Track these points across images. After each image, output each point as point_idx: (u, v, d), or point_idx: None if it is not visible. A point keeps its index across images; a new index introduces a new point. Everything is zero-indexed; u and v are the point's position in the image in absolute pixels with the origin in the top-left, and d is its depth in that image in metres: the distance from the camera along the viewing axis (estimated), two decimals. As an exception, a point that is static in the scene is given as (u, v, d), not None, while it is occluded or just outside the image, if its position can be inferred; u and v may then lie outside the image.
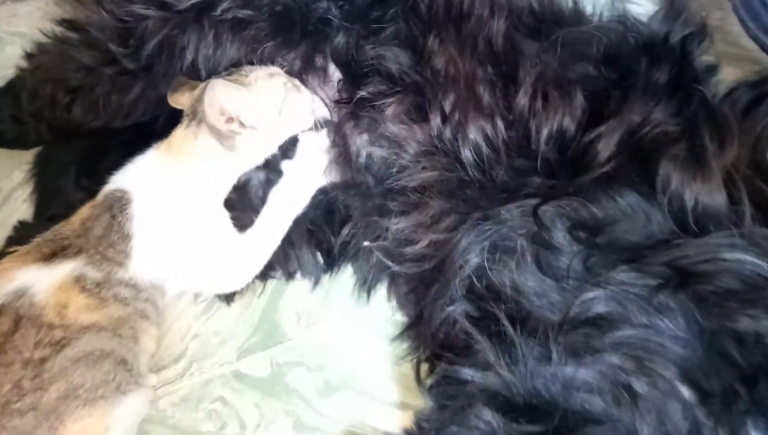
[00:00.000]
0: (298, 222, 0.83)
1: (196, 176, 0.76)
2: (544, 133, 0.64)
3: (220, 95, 0.71)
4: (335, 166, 0.82)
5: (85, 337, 0.67)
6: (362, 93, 0.77)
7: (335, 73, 0.83)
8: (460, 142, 0.68)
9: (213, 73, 0.80)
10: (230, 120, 0.73)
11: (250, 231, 0.79)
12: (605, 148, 0.60)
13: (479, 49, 0.74)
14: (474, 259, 0.68)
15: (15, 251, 0.72)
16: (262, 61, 0.81)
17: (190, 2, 0.76)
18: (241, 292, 0.85)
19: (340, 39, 0.79)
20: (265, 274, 0.85)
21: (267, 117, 0.75)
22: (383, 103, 0.74)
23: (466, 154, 0.68)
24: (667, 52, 0.71)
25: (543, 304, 0.64)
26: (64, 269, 0.70)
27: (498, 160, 0.67)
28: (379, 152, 0.77)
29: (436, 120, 0.71)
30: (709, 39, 0.72)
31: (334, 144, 0.82)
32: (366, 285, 0.84)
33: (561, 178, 0.64)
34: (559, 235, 0.62)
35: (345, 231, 0.82)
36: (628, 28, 0.74)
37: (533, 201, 0.64)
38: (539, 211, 0.62)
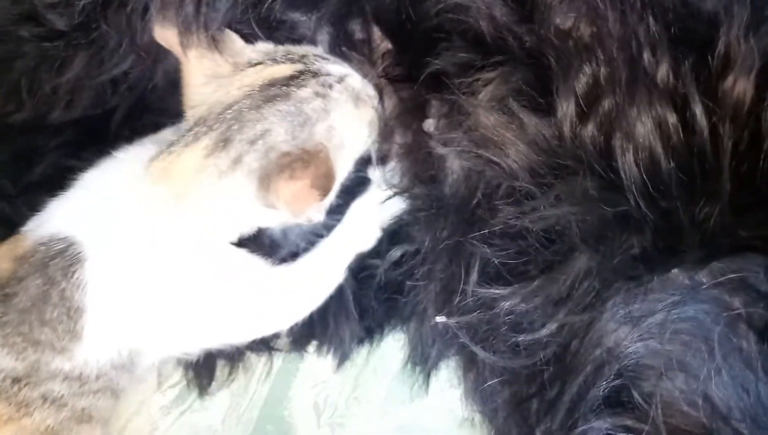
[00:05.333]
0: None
1: (209, 223, 0.54)
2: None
3: (311, 201, 0.51)
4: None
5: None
6: (437, 64, 0.52)
7: (382, 45, 0.59)
8: (618, 149, 0.43)
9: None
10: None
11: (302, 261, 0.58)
12: None
13: (632, 0, 0.48)
14: (629, 349, 0.45)
15: None
16: (268, 25, 0.57)
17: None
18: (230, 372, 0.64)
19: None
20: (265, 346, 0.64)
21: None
22: (476, 80, 0.49)
23: (629, 168, 0.43)
24: None
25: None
26: None
27: (687, 183, 0.42)
28: (459, 162, 0.53)
29: (568, 108, 0.46)
30: None
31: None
32: (425, 365, 0.60)
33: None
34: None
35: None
36: None
37: (750, 263, 0.40)
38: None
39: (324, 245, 0.58)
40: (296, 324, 0.60)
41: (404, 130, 0.57)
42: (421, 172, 0.55)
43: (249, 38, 0.57)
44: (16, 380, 0.50)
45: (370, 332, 0.63)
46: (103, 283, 0.51)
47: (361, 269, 0.61)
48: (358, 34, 0.59)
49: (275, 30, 0.58)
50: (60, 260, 0.51)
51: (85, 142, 0.61)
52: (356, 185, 0.59)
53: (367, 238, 0.59)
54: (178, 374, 0.63)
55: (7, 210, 0.59)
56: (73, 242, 0.51)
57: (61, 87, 0.61)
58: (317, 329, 0.62)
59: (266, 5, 0.56)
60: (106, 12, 0.57)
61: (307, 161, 0.49)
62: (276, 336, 0.62)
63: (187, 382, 0.62)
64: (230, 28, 0.56)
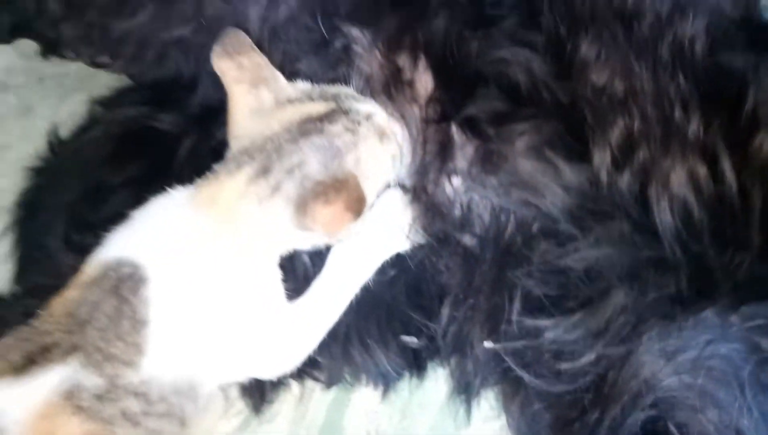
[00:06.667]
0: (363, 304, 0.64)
1: (250, 245, 0.58)
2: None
3: (346, 222, 0.54)
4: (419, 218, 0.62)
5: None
6: (471, 110, 0.57)
7: (423, 77, 0.64)
8: (654, 198, 0.47)
9: (270, 31, 0.61)
10: None
11: (302, 299, 0.62)
12: None
13: (664, 59, 0.53)
14: (663, 382, 0.49)
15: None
16: (331, 26, 0.62)
17: None
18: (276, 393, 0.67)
19: (439, 22, 0.60)
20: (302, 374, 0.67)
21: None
22: (511, 130, 0.54)
23: (664, 216, 0.47)
24: None
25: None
26: (49, 381, 0.53)
27: (719, 233, 0.46)
28: (492, 202, 0.58)
29: (604, 159, 0.51)
30: None
31: (417, 189, 0.62)
32: (470, 391, 0.63)
33: None
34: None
35: (444, 312, 0.61)
36: None
37: None
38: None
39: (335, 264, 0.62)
40: (326, 358, 0.64)
41: (435, 173, 0.61)
42: (448, 217, 0.60)
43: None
44: (99, 397, 0.53)
45: (417, 364, 0.66)
46: (162, 300, 0.56)
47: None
48: (407, 74, 0.63)
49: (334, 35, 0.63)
50: (129, 282, 0.56)
51: (152, 179, 0.65)
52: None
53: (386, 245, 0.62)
54: (241, 403, 0.66)
55: (94, 243, 0.63)
56: (137, 265, 0.56)
57: (129, 35, 0.66)
58: (345, 364, 0.66)
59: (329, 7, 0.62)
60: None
61: (338, 188, 0.54)
62: (313, 366, 0.66)
63: (246, 406, 0.66)
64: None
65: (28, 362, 0.53)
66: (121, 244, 0.58)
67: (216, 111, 0.68)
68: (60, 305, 0.57)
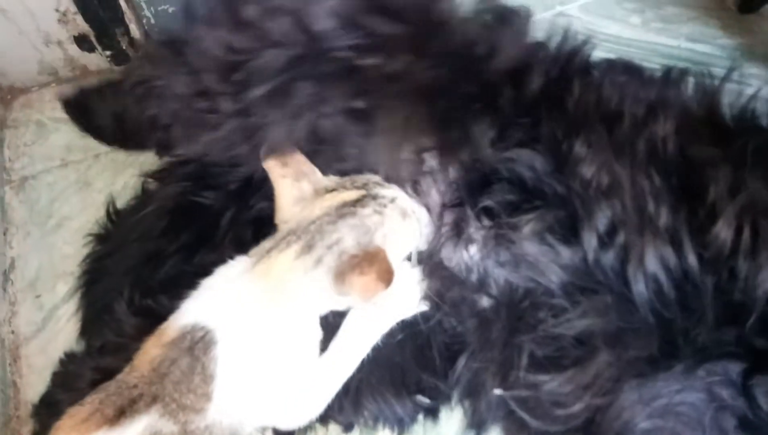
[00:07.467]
0: (377, 363, 0.73)
1: (297, 308, 0.68)
2: (761, 284, 0.53)
3: (379, 290, 0.63)
4: (436, 284, 0.72)
5: None
6: (487, 202, 0.68)
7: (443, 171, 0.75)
8: (632, 275, 0.58)
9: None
10: None
11: (322, 356, 0.72)
12: None
13: (639, 156, 0.64)
14: (640, 425, 0.58)
15: (71, 417, 0.63)
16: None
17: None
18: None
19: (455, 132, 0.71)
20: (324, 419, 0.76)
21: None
22: (519, 220, 0.65)
23: (640, 289, 0.57)
24: None
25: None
26: (137, 429, 0.62)
27: (684, 303, 0.57)
28: (504, 274, 0.68)
29: (591, 242, 0.61)
30: None
31: (433, 259, 0.72)
32: (481, 426, 0.73)
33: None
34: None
35: (461, 363, 0.71)
36: None
37: (734, 366, 0.55)
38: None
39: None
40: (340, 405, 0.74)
41: (453, 243, 0.71)
42: (466, 281, 0.69)
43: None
44: None
45: (433, 410, 0.76)
46: (227, 356, 0.65)
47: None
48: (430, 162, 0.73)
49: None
50: (202, 344, 0.65)
51: (198, 246, 0.76)
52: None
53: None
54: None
55: (153, 304, 0.74)
56: (209, 329, 0.66)
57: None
58: (355, 411, 0.76)
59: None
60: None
61: (370, 260, 0.64)
62: (332, 411, 0.74)
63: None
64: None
65: (120, 414, 0.62)
66: (195, 311, 0.68)
67: (251, 186, 0.79)
68: (145, 362, 0.65)
